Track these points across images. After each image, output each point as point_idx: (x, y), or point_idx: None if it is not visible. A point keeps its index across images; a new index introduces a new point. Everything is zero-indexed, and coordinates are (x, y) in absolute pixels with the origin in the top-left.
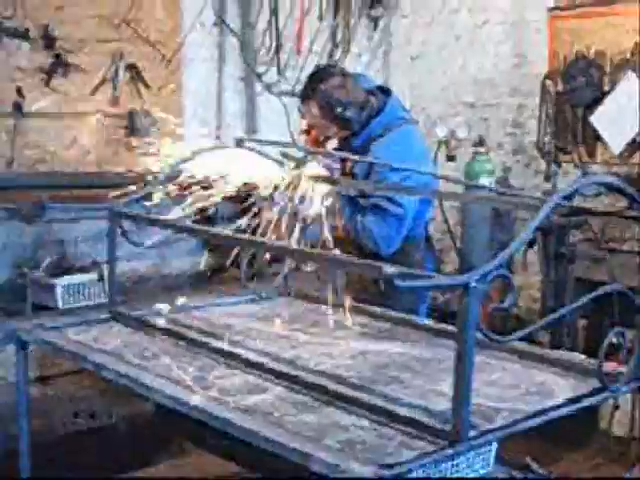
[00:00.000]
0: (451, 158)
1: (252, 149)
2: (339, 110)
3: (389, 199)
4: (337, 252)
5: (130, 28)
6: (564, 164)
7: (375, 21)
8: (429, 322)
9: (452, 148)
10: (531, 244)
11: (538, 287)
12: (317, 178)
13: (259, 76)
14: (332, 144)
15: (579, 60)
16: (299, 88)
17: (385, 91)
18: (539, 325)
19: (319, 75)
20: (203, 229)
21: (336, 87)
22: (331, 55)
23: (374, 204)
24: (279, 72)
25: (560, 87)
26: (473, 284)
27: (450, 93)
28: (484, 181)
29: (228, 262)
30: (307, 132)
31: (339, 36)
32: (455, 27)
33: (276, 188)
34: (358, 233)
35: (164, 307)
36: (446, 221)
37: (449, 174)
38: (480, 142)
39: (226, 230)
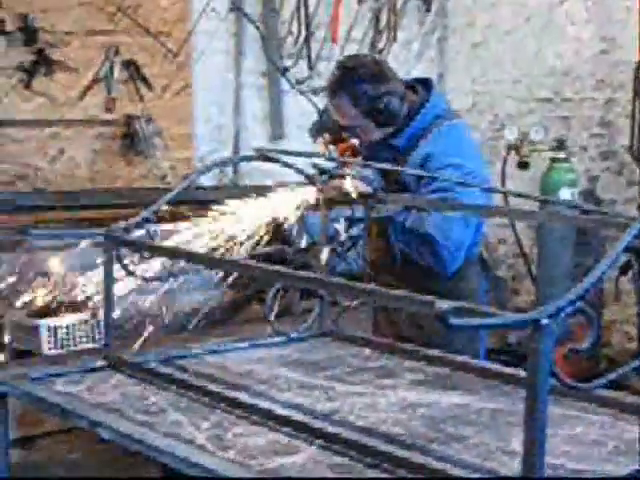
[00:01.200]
0: (523, 166)
1: (275, 160)
2: (379, 101)
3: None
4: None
5: (127, 17)
6: None
7: (428, 1)
8: (497, 367)
9: (525, 154)
10: (624, 270)
11: (634, 321)
12: (355, 195)
13: (285, 71)
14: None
15: None
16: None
17: (425, 83)
18: (631, 367)
19: (349, 62)
20: (217, 258)
21: (372, 75)
22: (373, 44)
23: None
24: (310, 66)
25: None
26: (545, 321)
27: (522, 87)
28: (565, 194)
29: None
30: (334, 142)
31: (383, 20)
32: (527, 6)
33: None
34: (418, 252)
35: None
36: (519, 242)
37: (521, 186)
38: (559, 146)
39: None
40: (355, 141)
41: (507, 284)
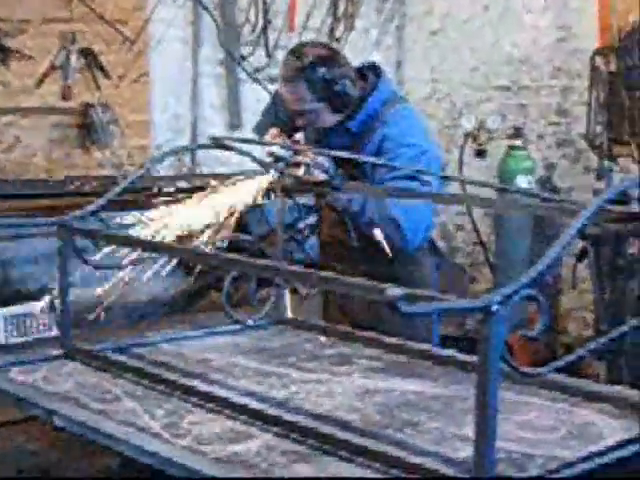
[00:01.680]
0: (481, 154)
1: (232, 148)
2: (335, 85)
3: (412, 177)
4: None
5: (84, 4)
6: (620, 159)
7: None
8: (453, 353)
9: (482, 142)
10: (580, 257)
11: (591, 309)
12: (312, 184)
13: (243, 59)
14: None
15: (637, 32)
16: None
17: (374, 70)
18: (582, 352)
19: (303, 48)
20: (173, 246)
21: (327, 59)
22: (332, 32)
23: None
24: (268, 54)
25: (614, 66)
26: (495, 307)
27: (479, 75)
28: (521, 181)
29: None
30: (289, 135)
31: (341, 8)
32: None
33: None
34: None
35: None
36: (476, 231)
37: (478, 174)
38: (516, 134)
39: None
40: (299, 136)
41: (465, 272)
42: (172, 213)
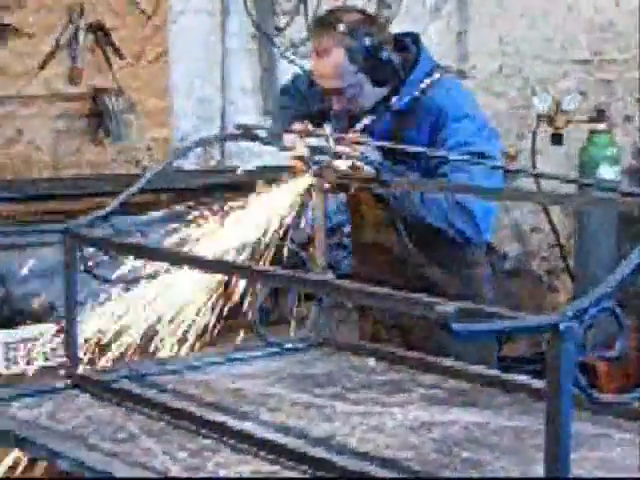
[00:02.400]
0: (557, 139)
1: (262, 139)
2: (378, 53)
3: (478, 155)
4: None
5: None
6: None
7: None
8: (522, 378)
9: (558, 125)
10: None
11: None
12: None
13: (278, 32)
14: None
15: None
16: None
17: (412, 38)
18: None
19: (334, 14)
20: (197, 258)
21: (365, 24)
22: None
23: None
24: (308, 25)
25: None
26: (565, 325)
27: (554, 46)
28: (606, 172)
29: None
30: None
31: None
32: None
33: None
34: (448, 220)
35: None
36: (555, 232)
37: (554, 163)
38: (599, 116)
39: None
40: (328, 129)
41: (541, 279)
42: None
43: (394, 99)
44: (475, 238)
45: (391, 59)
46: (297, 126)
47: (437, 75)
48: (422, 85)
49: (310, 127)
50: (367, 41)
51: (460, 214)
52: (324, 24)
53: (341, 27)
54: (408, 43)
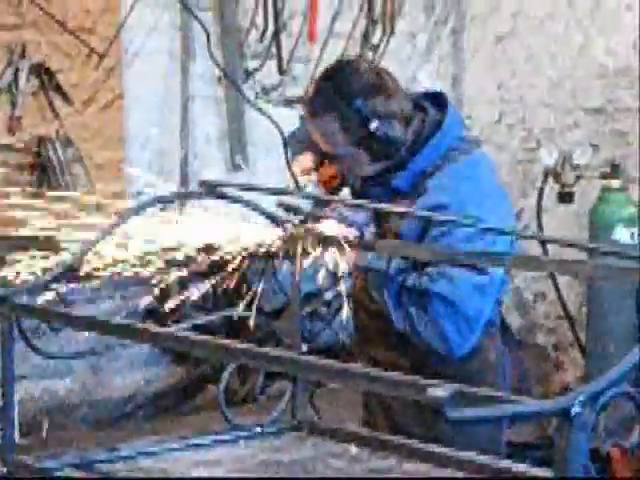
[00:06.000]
0: (565, 197)
1: (231, 198)
2: (375, 126)
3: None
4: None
5: (37, 7)
6: None
7: None
8: (526, 468)
9: (567, 182)
10: None
11: None
12: (337, 241)
13: (248, 76)
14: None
15: None
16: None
17: (437, 99)
18: None
19: (339, 71)
20: (150, 330)
21: (369, 89)
22: (366, 38)
23: (439, 272)
24: (280, 69)
25: None
26: (577, 410)
27: (563, 93)
28: (621, 234)
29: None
30: (316, 169)
31: (378, 7)
32: None
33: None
34: (414, 328)
35: None
36: (562, 300)
37: (563, 224)
38: (613, 171)
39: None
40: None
41: (547, 354)
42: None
43: (396, 176)
44: (445, 353)
45: (392, 136)
46: (304, 159)
47: (455, 156)
48: (431, 165)
49: (312, 163)
50: (366, 111)
51: (427, 327)
52: (323, 79)
53: (341, 89)
54: (428, 106)
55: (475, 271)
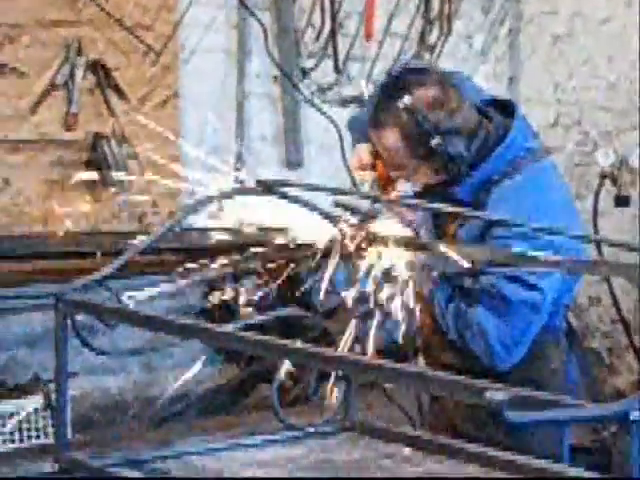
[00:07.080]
0: (623, 201)
1: (285, 195)
2: (437, 142)
3: (516, 278)
4: (421, 362)
5: (94, 4)
6: None
7: None
8: (584, 473)
9: (624, 185)
10: None
11: None
12: (394, 240)
13: (304, 75)
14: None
15: None
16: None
17: (505, 107)
18: None
19: (404, 83)
20: (204, 328)
21: (432, 103)
22: (422, 39)
23: (489, 289)
24: (336, 69)
25: None
26: (636, 415)
27: (620, 95)
28: None
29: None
30: (373, 166)
31: (435, 8)
32: None
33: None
34: (462, 337)
35: None
36: (617, 304)
37: (619, 228)
38: None
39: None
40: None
41: (602, 359)
42: None
43: (457, 187)
44: (489, 366)
45: (453, 152)
46: (361, 152)
47: (520, 165)
48: (493, 178)
49: (370, 156)
50: (428, 126)
51: (474, 336)
52: (385, 88)
53: (404, 100)
54: (494, 114)
55: (526, 287)
